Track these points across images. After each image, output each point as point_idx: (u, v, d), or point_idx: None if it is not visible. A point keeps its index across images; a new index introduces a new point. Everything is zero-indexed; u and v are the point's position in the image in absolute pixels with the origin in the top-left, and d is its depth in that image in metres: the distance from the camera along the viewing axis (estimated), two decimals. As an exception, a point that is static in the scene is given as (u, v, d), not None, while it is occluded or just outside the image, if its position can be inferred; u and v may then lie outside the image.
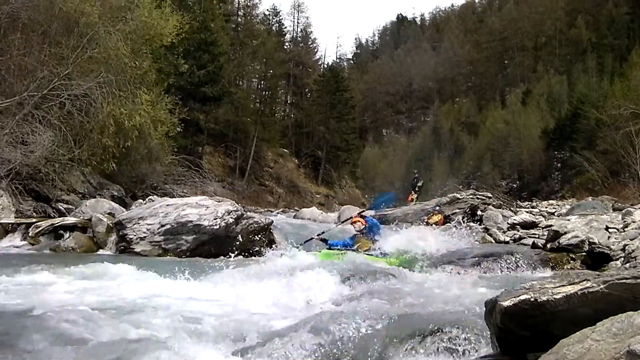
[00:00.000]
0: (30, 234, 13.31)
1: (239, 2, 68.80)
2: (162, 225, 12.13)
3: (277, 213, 32.51)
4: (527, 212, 22.16)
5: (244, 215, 12.96)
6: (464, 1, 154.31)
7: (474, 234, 16.23)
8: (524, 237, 15.61)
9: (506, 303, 3.95)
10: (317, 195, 63.54)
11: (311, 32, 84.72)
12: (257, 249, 12.48)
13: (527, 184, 70.00)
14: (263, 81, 60.17)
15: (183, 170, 30.19)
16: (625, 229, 13.25)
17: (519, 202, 34.25)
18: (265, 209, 36.26)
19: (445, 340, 4.59)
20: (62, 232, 12.93)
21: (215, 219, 12.25)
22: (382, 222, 22.65)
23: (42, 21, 19.09)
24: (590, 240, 11.59)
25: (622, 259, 10.65)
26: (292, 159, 67.90)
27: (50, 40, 19.28)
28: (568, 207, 24.30)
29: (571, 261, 11.15)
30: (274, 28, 76.29)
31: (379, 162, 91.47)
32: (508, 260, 10.89)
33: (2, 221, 13.83)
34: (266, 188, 57.63)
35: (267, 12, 77.80)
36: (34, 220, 14.21)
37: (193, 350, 4.75)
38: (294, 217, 26.60)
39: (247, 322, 5.88)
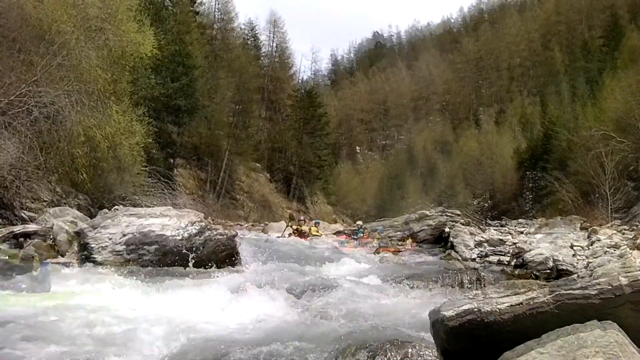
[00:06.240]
0: (-11, 241, 13.10)
1: (215, 15, 68.63)
2: (124, 235, 11.98)
3: (246, 227, 32.35)
4: (496, 230, 22.22)
5: (208, 227, 12.82)
6: (439, 21, 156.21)
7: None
8: (490, 255, 15.59)
9: (449, 313, 3.82)
10: (288, 211, 63.21)
11: (287, 46, 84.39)
12: (219, 260, 12.44)
13: (498, 203, 70.40)
14: (237, 95, 59.82)
15: (153, 181, 29.94)
16: (590, 247, 13.34)
17: (488, 221, 34.46)
18: (235, 223, 35.98)
19: (393, 353, 4.53)
20: (22, 239, 12.73)
21: (178, 230, 12.12)
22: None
23: (12, 27, 18.86)
24: (555, 258, 11.66)
25: (585, 276, 10.67)
26: (264, 174, 67.61)
27: (20, 46, 19.03)
28: (537, 226, 24.42)
29: (535, 279, 11.16)
30: (249, 42, 76.14)
31: (351, 179, 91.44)
32: (470, 277, 10.92)
33: (-40, 228, 13.61)
34: (237, 202, 57.23)
35: (243, 26, 77.75)
36: (-7, 227, 13.99)
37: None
38: (262, 231, 26.50)
39: (175, 334, 5.83)
